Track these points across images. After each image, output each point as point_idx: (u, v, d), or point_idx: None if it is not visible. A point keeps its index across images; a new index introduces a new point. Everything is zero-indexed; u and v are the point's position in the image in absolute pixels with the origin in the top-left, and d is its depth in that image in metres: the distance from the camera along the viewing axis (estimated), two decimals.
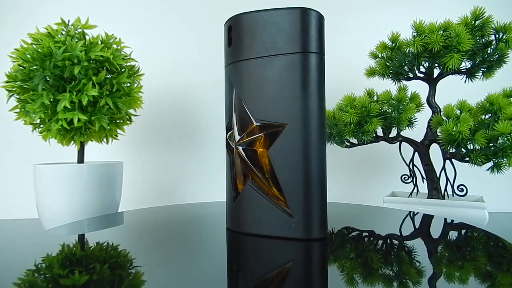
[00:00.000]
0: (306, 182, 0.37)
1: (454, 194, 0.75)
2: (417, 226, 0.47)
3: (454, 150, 0.70)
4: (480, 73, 0.76)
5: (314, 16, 0.37)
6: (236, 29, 0.40)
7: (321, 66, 0.38)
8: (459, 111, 0.71)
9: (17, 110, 0.72)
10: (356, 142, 0.82)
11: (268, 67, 0.37)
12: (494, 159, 0.66)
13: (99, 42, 0.74)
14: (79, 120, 0.68)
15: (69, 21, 0.74)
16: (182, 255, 0.34)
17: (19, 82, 0.69)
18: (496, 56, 0.71)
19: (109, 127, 0.76)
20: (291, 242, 0.36)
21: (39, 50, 0.66)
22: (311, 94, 0.37)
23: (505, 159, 0.64)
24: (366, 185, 1.13)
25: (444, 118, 0.70)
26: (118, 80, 0.72)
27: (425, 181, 0.79)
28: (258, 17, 0.38)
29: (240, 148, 0.40)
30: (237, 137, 0.41)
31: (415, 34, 0.73)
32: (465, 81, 0.78)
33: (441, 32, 0.69)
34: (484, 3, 0.73)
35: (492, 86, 0.75)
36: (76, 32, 0.73)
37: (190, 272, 0.29)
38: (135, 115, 0.82)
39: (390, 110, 0.77)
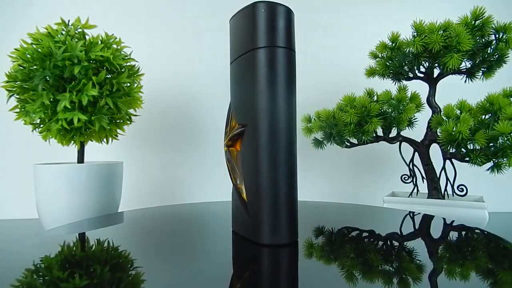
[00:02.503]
0: (264, 186, 0.34)
1: (454, 194, 0.75)
2: (417, 226, 0.47)
3: (454, 150, 0.70)
4: (480, 73, 0.76)
5: (264, 9, 0.34)
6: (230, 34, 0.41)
7: (288, 62, 0.35)
8: (459, 111, 0.71)
9: (17, 110, 0.72)
10: (356, 142, 0.82)
11: (241, 67, 0.37)
12: (494, 159, 0.66)
13: (99, 42, 0.74)
14: (79, 120, 0.68)
15: (69, 21, 0.74)
16: (183, 255, 0.34)
17: (19, 82, 0.69)
18: (496, 56, 0.71)
19: (109, 127, 0.76)
20: (261, 246, 0.35)
21: (39, 50, 0.66)
22: (273, 91, 0.34)
23: (505, 159, 0.64)
24: (366, 185, 1.13)
25: (444, 118, 0.70)
26: (118, 80, 0.72)
27: (425, 181, 0.79)
28: (234, 20, 0.38)
29: (226, 148, 0.41)
30: (225, 138, 0.42)
31: (415, 34, 0.73)
32: (465, 81, 0.78)
33: (441, 32, 0.69)
34: (484, 3, 0.73)
35: (492, 86, 0.75)
36: (76, 32, 0.73)
37: (191, 272, 0.29)
38: (135, 115, 0.82)
39: (390, 110, 0.77)
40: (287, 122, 0.35)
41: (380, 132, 0.81)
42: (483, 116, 0.71)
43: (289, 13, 0.36)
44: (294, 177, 0.36)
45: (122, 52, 0.77)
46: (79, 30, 0.73)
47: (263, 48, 0.34)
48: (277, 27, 0.35)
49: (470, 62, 0.74)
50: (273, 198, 0.34)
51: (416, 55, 0.73)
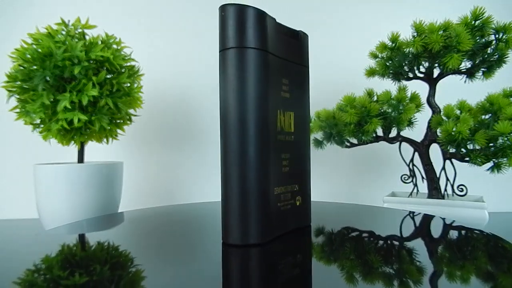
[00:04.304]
0: (225, 187, 0.36)
1: (454, 194, 0.75)
2: (417, 226, 0.47)
3: (454, 150, 0.70)
4: (480, 73, 0.76)
5: (224, 11, 0.35)
6: None
7: (254, 62, 0.35)
8: (459, 111, 0.71)
9: (17, 110, 0.72)
10: (356, 142, 0.82)
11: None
12: (494, 159, 0.66)
13: (99, 42, 0.74)
14: (79, 120, 0.68)
15: (69, 21, 0.74)
16: (183, 255, 0.34)
17: (19, 82, 0.69)
18: (496, 56, 0.71)
19: (109, 127, 0.76)
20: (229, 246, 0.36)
21: (39, 50, 0.66)
22: (239, 93, 0.35)
23: (505, 159, 0.64)
24: (366, 185, 1.13)
25: (444, 118, 0.70)
26: (118, 80, 0.72)
27: (425, 181, 0.79)
28: None
29: None
30: None
31: (415, 34, 0.73)
32: (465, 81, 0.78)
33: (441, 32, 0.69)
34: (484, 3, 0.73)
35: (492, 86, 0.75)
36: (76, 32, 0.73)
37: (190, 272, 0.29)
38: (135, 115, 0.82)
39: (390, 110, 0.77)
40: (256, 123, 0.35)
41: (380, 132, 0.81)
42: (483, 116, 0.71)
43: (255, 13, 0.35)
44: (266, 177, 0.36)
45: (122, 52, 0.77)
46: (79, 30, 0.73)
47: (227, 49, 0.35)
48: (234, 28, 0.35)
49: (470, 62, 0.74)
50: (240, 199, 0.35)
51: (416, 55, 0.73)
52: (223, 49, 0.36)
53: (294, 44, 0.41)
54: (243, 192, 0.35)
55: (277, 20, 0.39)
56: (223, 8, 0.35)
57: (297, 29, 0.43)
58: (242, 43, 0.35)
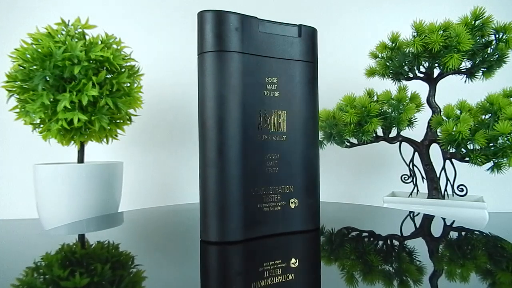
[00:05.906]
0: (203, 186, 0.36)
1: (454, 194, 0.75)
2: (417, 226, 0.47)
3: (454, 150, 0.70)
4: (480, 73, 0.76)
5: (202, 17, 0.37)
6: None
7: (233, 64, 0.36)
8: (459, 111, 0.71)
9: (17, 110, 0.72)
10: (356, 142, 0.82)
11: None
12: (494, 159, 0.66)
13: (99, 42, 0.74)
14: (79, 120, 0.68)
15: (69, 21, 0.74)
16: (183, 255, 0.34)
17: (19, 82, 0.69)
18: (496, 56, 0.71)
19: (109, 127, 0.76)
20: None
21: (39, 50, 0.66)
22: (209, 95, 0.36)
23: (505, 159, 0.64)
24: (366, 185, 1.13)
25: (444, 118, 0.70)
26: (118, 80, 0.72)
27: (425, 181, 0.79)
28: None
29: None
30: None
31: (415, 34, 0.73)
32: (465, 81, 0.78)
33: (441, 32, 0.69)
34: (484, 3, 0.73)
35: (492, 86, 0.75)
36: (76, 32, 0.73)
37: (190, 271, 0.29)
38: (135, 115, 0.82)
39: (390, 110, 0.77)
40: (231, 124, 0.35)
41: (380, 132, 0.81)
42: (483, 116, 0.71)
43: (231, 17, 0.36)
44: (241, 177, 0.36)
45: (122, 52, 0.77)
46: (79, 30, 0.73)
47: (204, 53, 0.37)
48: (211, 32, 0.36)
49: (470, 62, 0.74)
50: (216, 199, 0.36)
51: (416, 55, 0.73)
52: (201, 53, 0.36)
53: (291, 41, 0.41)
54: (218, 192, 0.35)
55: (276, 20, 0.39)
56: (201, 15, 0.37)
57: None
58: (219, 47, 0.36)
